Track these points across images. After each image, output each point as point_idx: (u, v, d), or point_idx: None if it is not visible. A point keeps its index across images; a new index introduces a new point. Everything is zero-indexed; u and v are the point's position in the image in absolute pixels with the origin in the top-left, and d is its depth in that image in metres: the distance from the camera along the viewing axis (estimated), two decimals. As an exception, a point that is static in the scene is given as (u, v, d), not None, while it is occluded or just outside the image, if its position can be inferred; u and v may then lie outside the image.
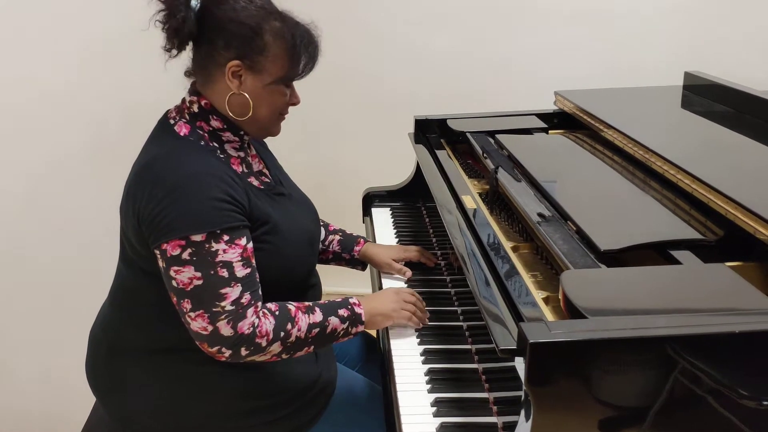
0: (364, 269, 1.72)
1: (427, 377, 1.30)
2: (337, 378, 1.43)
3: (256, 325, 1.23)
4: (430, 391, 1.26)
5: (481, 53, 2.62)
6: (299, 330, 1.27)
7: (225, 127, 1.30)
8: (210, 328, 1.20)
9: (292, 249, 1.33)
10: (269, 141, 1.53)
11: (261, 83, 1.26)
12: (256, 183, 1.33)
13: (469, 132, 1.86)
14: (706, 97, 1.87)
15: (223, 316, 1.20)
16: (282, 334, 1.25)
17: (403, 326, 1.43)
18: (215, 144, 1.29)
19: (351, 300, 1.36)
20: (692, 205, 1.28)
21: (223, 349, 1.22)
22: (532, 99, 2.11)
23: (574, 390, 0.90)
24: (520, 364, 0.93)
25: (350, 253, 1.68)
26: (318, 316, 1.30)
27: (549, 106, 2.03)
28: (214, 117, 1.29)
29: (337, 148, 2.83)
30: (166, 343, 1.31)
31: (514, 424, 0.95)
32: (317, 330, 1.29)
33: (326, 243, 1.67)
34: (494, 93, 2.59)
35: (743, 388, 0.90)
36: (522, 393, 0.92)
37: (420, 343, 1.40)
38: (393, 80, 2.69)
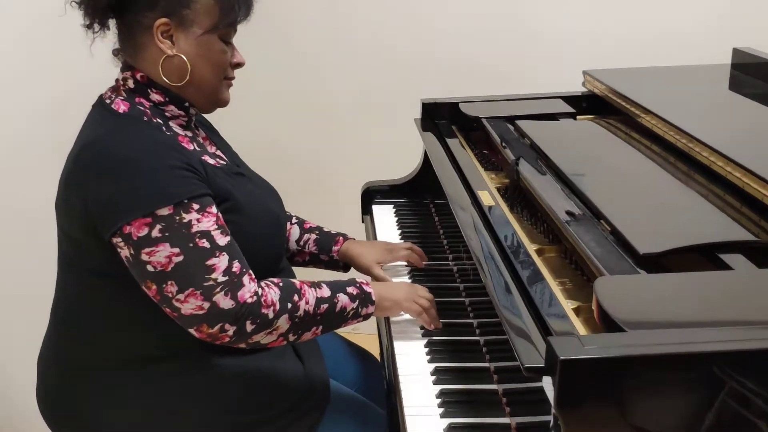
0: (346, 270, 1.73)
1: (439, 400, 1.31)
2: (331, 396, 1.45)
3: (259, 294, 1.26)
4: (443, 415, 1.27)
5: (499, 26, 2.62)
6: (307, 303, 1.31)
7: (167, 100, 1.33)
8: (206, 305, 1.22)
9: (257, 229, 1.36)
10: (222, 128, 1.56)
11: (193, 37, 1.30)
12: (211, 162, 1.36)
13: (485, 118, 1.86)
14: (758, 78, 1.87)
15: (218, 289, 1.22)
16: (289, 305, 1.28)
17: (403, 330, 1.46)
18: (159, 120, 1.31)
19: (358, 280, 1.40)
20: (744, 202, 1.28)
21: (227, 326, 1.23)
22: (557, 79, 2.11)
23: (611, 414, 0.90)
24: (548, 384, 0.94)
25: (328, 254, 1.69)
26: (326, 291, 1.34)
27: (577, 87, 2.04)
28: (154, 90, 1.32)
29: (332, 135, 2.83)
30: (128, 354, 1.33)
31: (541, 453, 0.96)
32: (326, 306, 1.33)
33: (301, 243, 1.69)
34: (514, 72, 2.59)
35: (803, 412, 0.91)
36: (550, 418, 0.93)
37: (431, 361, 1.41)
38: (396, 57, 2.69)
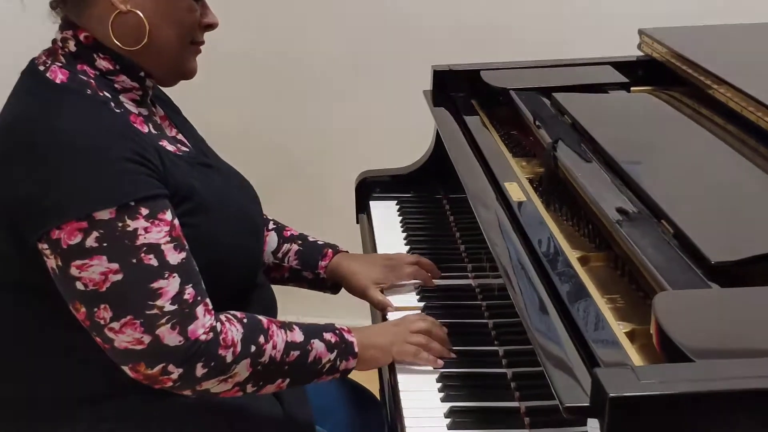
0: (335, 292, 1.74)
1: (456, 449, 1.32)
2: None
3: (218, 330, 1.25)
4: (461, 469, 1.28)
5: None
6: (274, 348, 1.30)
7: (117, 68, 1.33)
8: (147, 338, 1.22)
9: (227, 235, 1.37)
10: (183, 106, 1.56)
11: None
12: (171, 148, 1.37)
13: (513, 89, 1.86)
14: None
15: (163, 320, 1.22)
16: (253, 348, 1.28)
17: (409, 364, 1.46)
18: (106, 94, 1.31)
19: (337, 325, 1.40)
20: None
21: (171, 367, 1.23)
22: (606, 41, 2.12)
23: (673, 465, 0.91)
24: (594, 428, 0.94)
25: (313, 271, 1.69)
26: (298, 335, 1.34)
27: (631, 50, 2.05)
28: (101, 55, 1.32)
29: (319, 113, 2.84)
30: (65, 392, 1.33)
31: None
32: (297, 354, 1.32)
33: (280, 255, 1.69)
34: (550, 32, 2.60)
35: None
36: (597, 470, 0.93)
37: (444, 399, 1.41)
38: (401, 14, 2.69)
